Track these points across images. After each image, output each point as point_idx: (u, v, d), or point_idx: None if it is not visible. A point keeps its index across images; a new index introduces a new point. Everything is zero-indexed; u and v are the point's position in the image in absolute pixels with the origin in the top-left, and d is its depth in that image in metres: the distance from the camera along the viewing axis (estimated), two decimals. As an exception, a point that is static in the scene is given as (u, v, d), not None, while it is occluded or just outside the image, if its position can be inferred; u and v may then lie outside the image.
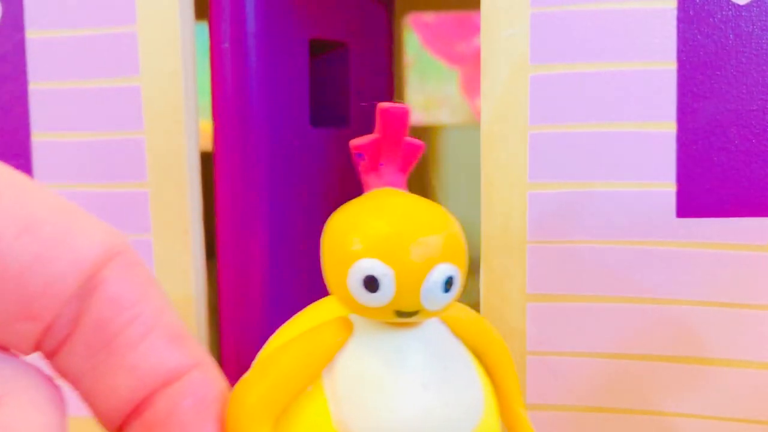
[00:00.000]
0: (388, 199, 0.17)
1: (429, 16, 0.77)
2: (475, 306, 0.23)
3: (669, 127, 0.21)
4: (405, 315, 0.16)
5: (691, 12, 0.20)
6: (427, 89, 0.79)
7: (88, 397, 0.13)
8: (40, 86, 0.25)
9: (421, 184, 0.51)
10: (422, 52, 0.80)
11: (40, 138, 0.25)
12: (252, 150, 0.24)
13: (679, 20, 0.20)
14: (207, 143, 0.26)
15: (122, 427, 0.13)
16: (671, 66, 0.21)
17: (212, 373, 0.14)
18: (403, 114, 0.16)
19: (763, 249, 0.21)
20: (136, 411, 0.13)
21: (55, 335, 0.13)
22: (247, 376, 0.16)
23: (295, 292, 0.25)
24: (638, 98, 0.21)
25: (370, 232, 0.15)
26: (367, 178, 0.17)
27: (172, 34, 0.23)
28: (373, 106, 0.16)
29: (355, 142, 0.17)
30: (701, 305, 0.21)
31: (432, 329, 0.16)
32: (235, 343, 0.25)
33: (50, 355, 0.13)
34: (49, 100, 0.25)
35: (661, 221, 0.21)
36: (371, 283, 0.15)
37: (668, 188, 0.21)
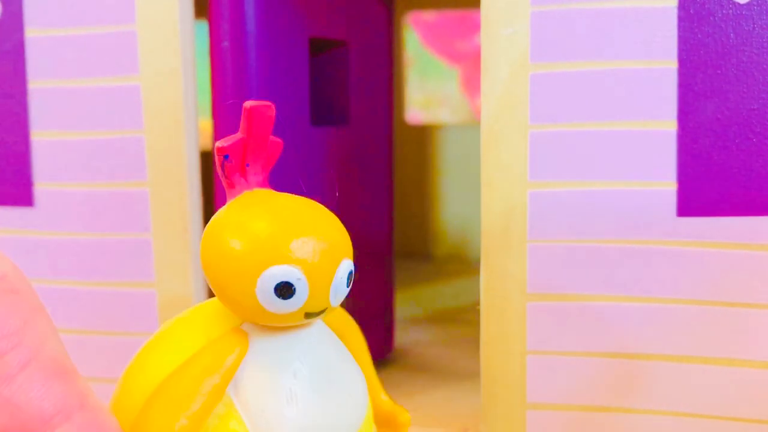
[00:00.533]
0: (273, 202, 0.16)
1: (429, 15, 0.77)
2: (476, 305, 0.23)
3: (670, 126, 0.21)
4: (313, 315, 0.15)
5: (691, 11, 0.20)
6: (427, 88, 0.79)
7: None
8: (39, 85, 0.25)
9: (421, 183, 0.51)
10: (422, 50, 0.80)
11: (39, 137, 0.25)
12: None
13: (680, 19, 0.20)
14: (207, 142, 0.26)
15: None
16: (672, 65, 0.21)
17: (97, 417, 0.13)
18: (270, 112, 0.16)
19: (764, 248, 0.21)
20: None
21: None
22: (144, 412, 0.15)
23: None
24: (639, 97, 0.21)
25: (273, 238, 0.15)
26: (232, 179, 0.16)
27: (172, 33, 0.23)
28: (239, 105, 0.16)
29: (220, 144, 0.16)
30: (701, 304, 0.21)
31: (318, 326, 0.17)
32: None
33: None
34: (48, 98, 0.25)
35: (661, 220, 0.21)
36: (286, 290, 0.15)
37: (669, 187, 0.21)
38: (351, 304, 0.31)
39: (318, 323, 0.17)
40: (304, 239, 0.15)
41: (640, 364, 0.22)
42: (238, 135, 0.16)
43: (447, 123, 0.68)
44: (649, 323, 0.21)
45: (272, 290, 0.15)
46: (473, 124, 0.51)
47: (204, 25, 0.25)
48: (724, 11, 0.20)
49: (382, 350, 0.31)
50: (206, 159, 0.25)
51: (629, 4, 0.21)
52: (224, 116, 0.24)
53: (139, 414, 0.15)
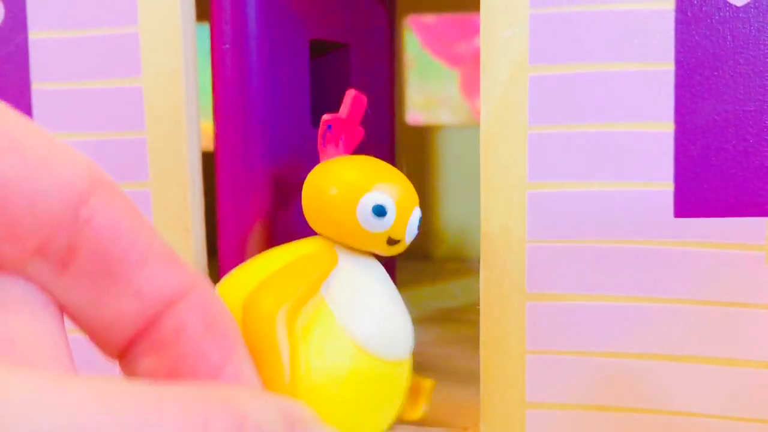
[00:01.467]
0: (368, 158, 0.21)
1: (429, 18, 0.77)
2: (476, 305, 0.23)
3: (667, 128, 0.21)
4: (393, 243, 0.21)
5: (689, 13, 0.21)
6: (427, 90, 0.79)
7: (90, 326, 0.14)
8: (42, 86, 0.25)
9: (421, 183, 0.51)
10: (423, 52, 0.80)
11: (42, 138, 0.25)
12: (253, 150, 0.24)
13: (677, 21, 0.21)
14: (208, 143, 0.26)
15: (126, 350, 0.14)
16: (669, 67, 0.21)
17: (213, 290, 0.14)
18: (365, 101, 0.21)
19: (760, 248, 0.21)
20: (141, 334, 0.14)
21: (50, 263, 0.13)
22: (253, 297, 0.19)
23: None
24: (636, 99, 0.21)
25: (372, 174, 0.20)
26: (327, 148, 0.21)
27: (174, 35, 0.23)
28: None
29: (326, 117, 0.21)
30: (699, 304, 0.21)
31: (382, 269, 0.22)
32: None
33: (49, 285, 0.13)
34: (51, 100, 0.25)
35: (659, 221, 0.21)
36: (380, 210, 0.20)
37: (666, 188, 0.21)
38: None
39: (381, 267, 0.21)
40: (393, 182, 0.20)
41: (638, 364, 0.22)
42: (340, 114, 0.21)
43: (447, 124, 0.68)
44: (646, 323, 0.22)
45: (370, 209, 0.20)
46: (473, 126, 0.51)
47: (205, 28, 0.26)
48: (720, 14, 0.20)
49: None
50: (208, 160, 0.25)
51: (627, 7, 0.21)
52: (226, 118, 0.24)
53: (248, 298, 0.19)
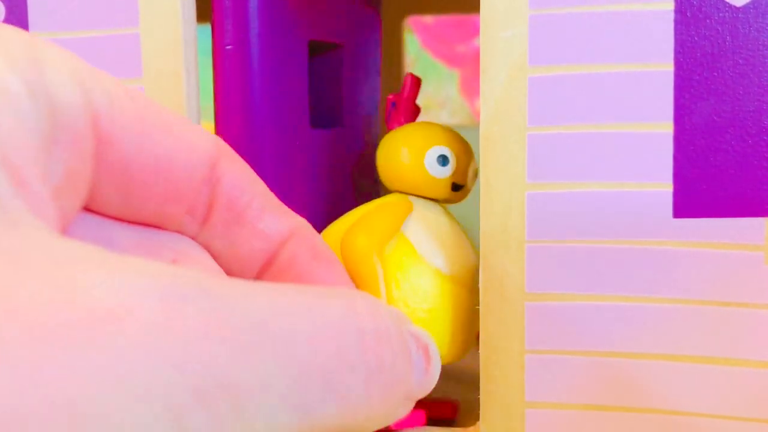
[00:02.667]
0: (429, 122, 0.26)
1: (429, 18, 0.77)
2: (475, 304, 0.23)
3: (666, 128, 0.21)
4: (457, 188, 0.25)
5: (688, 14, 0.21)
6: (427, 90, 0.80)
7: (228, 265, 0.17)
8: (43, 87, 0.25)
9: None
10: (423, 53, 0.80)
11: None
12: (255, 151, 0.24)
13: (677, 22, 0.21)
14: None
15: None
16: (668, 67, 0.21)
17: (314, 230, 0.18)
18: (420, 82, 0.27)
19: (759, 249, 0.21)
20: (265, 266, 0.17)
21: (195, 217, 0.16)
22: (347, 236, 0.23)
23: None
24: (636, 99, 0.21)
25: (435, 133, 0.25)
26: (393, 120, 0.26)
27: (175, 37, 0.23)
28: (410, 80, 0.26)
29: (390, 96, 0.26)
30: (697, 304, 0.21)
31: None
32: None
33: (197, 237, 0.17)
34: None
35: (658, 221, 0.21)
36: (443, 159, 0.25)
37: (665, 188, 0.21)
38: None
39: (447, 209, 0.26)
40: (451, 138, 0.25)
41: (637, 363, 0.22)
42: (402, 93, 0.26)
43: (447, 125, 0.68)
44: (645, 323, 0.22)
45: (435, 159, 0.25)
46: (472, 126, 0.51)
47: (205, 29, 0.26)
48: (720, 14, 0.20)
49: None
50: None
51: (626, 8, 0.21)
52: (228, 118, 0.24)
53: (343, 237, 0.23)
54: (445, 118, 0.78)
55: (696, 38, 0.21)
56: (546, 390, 0.22)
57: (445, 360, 0.24)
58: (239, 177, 0.16)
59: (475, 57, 0.74)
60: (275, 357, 0.11)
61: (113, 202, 0.15)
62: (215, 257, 0.17)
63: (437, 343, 0.22)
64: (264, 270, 0.17)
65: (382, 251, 0.23)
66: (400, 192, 0.26)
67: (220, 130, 0.25)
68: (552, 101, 0.21)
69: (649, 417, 0.22)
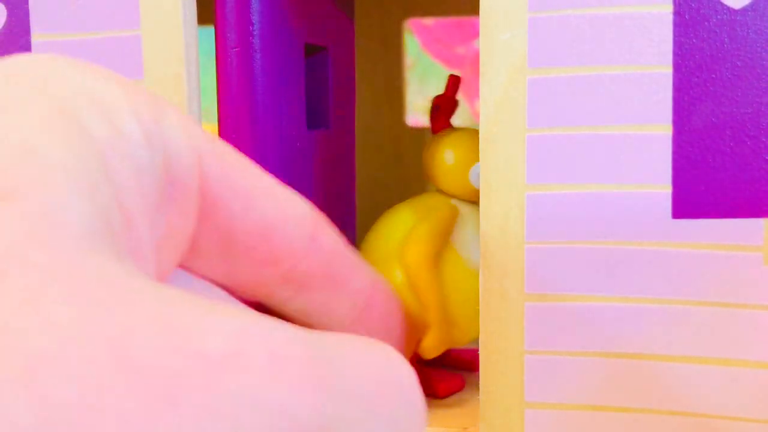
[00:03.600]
0: (472, 132, 0.27)
1: (429, 20, 0.77)
2: (475, 304, 0.23)
3: (665, 130, 0.21)
4: None
5: (686, 16, 0.21)
6: (426, 92, 0.80)
7: (324, 319, 0.18)
8: (45, 89, 0.25)
9: (421, 185, 0.51)
10: (422, 55, 0.80)
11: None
12: (260, 152, 0.24)
13: (675, 25, 0.21)
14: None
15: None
16: (667, 70, 0.21)
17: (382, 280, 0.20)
18: (460, 80, 0.28)
19: (758, 250, 0.21)
20: (357, 316, 0.18)
21: (292, 285, 0.17)
22: (406, 245, 0.25)
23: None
24: (635, 101, 0.21)
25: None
26: (439, 121, 0.28)
27: (176, 39, 0.23)
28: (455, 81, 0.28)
29: (434, 98, 0.28)
30: (697, 305, 0.21)
31: None
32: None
33: (294, 299, 0.17)
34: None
35: (657, 222, 0.21)
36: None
37: (664, 190, 0.21)
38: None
39: None
40: None
41: (636, 364, 0.22)
42: (446, 94, 0.28)
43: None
44: (644, 324, 0.22)
45: (477, 175, 0.26)
46: (472, 128, 0.51)
47: (206, 31, 0.26)
48: (718, 17, 0.21)
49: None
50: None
51: (625, 11, 0.21)
52: (231, 120, 0.24)
53: (403, 247, 0.25)
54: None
55: (694, 40, 0.21)
56: (546, 390, 0.22)
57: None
58: (333, 241, 0.17)
59: (474, 59, 0.74)
60: (365, 407, 0.12)
61: (211, 262, 0.15)
62: (309, 318, 0.18)
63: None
64: (357, 320, 0.18)
65: (436, 264, 0.25)
66: (443, 192, 0.28)
67: (223, 132, 0.25)
68: (551, 103, 0.21)
69: (648, 417, 0.22)
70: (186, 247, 0.15)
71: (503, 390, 0.23)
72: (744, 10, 0.20)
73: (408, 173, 0.52)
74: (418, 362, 0.26)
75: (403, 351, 0.20)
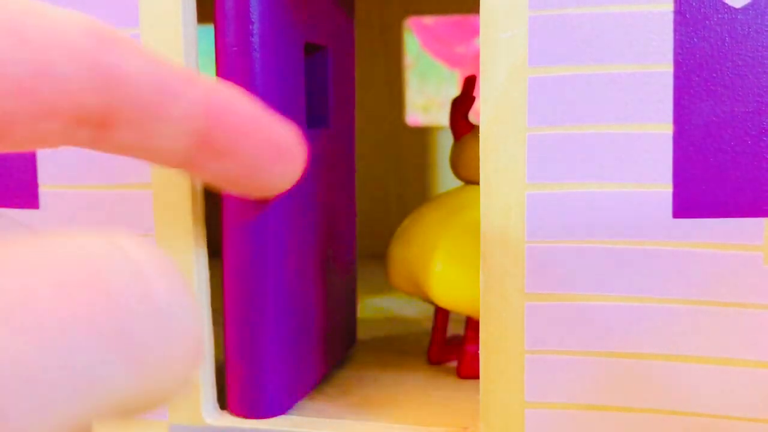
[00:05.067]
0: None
1: (429, 19, 0.77)
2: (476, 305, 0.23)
3: (666, 129, 0.21)
4: None
5: (687, 15, 0.21)
6: (427, 91, 0.80)
7: (151, 155, 0.15)
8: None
9: (421, 184, 0.51)
10: (423, 54, 0.80)
11: (44, 139, 0.25)
12: None
13: (676, 23, 0.21)
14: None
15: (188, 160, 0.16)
16: (668, 68, 0.21)
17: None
18: (476, 79, 0.28)
19: (759, 249, 0.21)
20: (197, 143, 0.16)
21: (92, 126, 0.14)
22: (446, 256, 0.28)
23: (299, 288, 0.26)
24: (635, 100, 0.21)
25: None
26: (461, 123, 0.30)
27: (175, 37, 0.23)
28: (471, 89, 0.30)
29: (453, 98, 0.30)
30: (697, 304, 0.21)
31: None
32: (239, 343, 0.25)
33: (99, 142, 0.14)
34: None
35: (657, 222, 0.21)
36: None
37: (665, 189, 0.21)
38: (326, 302, 0.31)
39: None
40: None
41: (637, 364, 0.22)
42: (468, 94, 0.30)
43: (447, 126, 0.68)
44: (645, 323, 0.22)
45: None
46: (473, 127, 0.51)
47: (205, 30, 0.26)
48: (719, 15, 0.21)
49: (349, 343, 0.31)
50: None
51: (626, 9, 0.21)
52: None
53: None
54: (445, 118, 0.78)
55: (695, 39, 0.21)
56: (546, 390, 0.22)
57: None
58: (136, 68, 0.14)
59: (475, 57, 0.74)
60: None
61: None
62: (138, 154, 0.15)
63: None
64: (196, 147, 0.16)
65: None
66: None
67: None
68: (552, 102, 0.21)
69: (649, 417, 0.22)
70: None
71: (503, 389, 0.23)
72: (745, 9, 0.20)
73: (408, 172, 0.52)
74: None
75: (264, 176, 0.18)
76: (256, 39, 0.23)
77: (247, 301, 0.24)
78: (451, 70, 0.79)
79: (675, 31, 0.21)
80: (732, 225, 0.21)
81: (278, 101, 0.24)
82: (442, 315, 0.31)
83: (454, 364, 0.31)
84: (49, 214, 0.25)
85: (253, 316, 0.25)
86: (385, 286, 0.41)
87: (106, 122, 0.14)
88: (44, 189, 0.25)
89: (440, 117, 0.78)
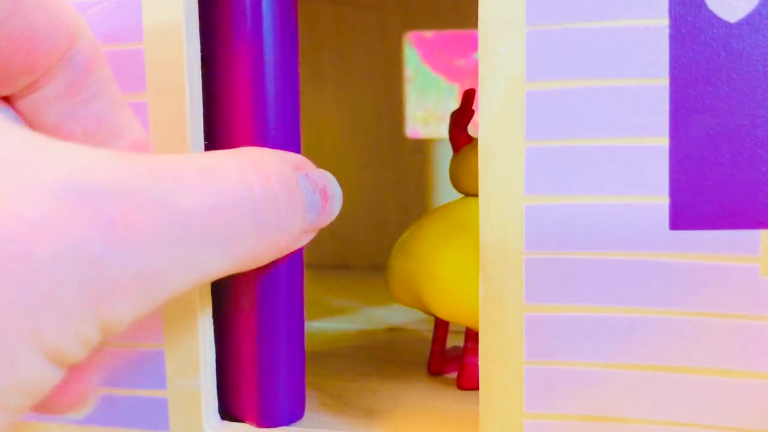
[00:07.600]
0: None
1: (428, 33, 0.77)
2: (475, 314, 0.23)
3: (662, 142, 0.21)
4: None
5: (683, 30, 0.21)
6: (426, 104, 0.80)
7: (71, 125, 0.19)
8: (48, 102, 0.25)
9: (420, 196, 0.52)
10: (422, 67, 0.80)
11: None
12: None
13: (672, 38, 0.21)
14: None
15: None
16: (664, 82, 0.21)
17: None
18: (474, 92, 0.30)
19: (755, 261, 0.21)
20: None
21: (47, 86, 0.18)
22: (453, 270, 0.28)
23: (299, 288, 0.26)
24: (632, 113, 0.21)
25: None
26: (457, 134, 0.31)
27: (178, 52, 0.24)
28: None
29: (453, 111, 0.31)
30: (694, 316, 0.21)
31: None
32: (238, 342, 0.25)
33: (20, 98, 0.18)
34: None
35: (654, 233, 0.21)
36: None
37: (661, 201, 0.21)
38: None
39: None
40: None
41: (635, 375, 0.22)
42: (468, 108, 0.31)
43: (446, 138, 0.68)
44: (642, 335, 0.22)
45: None
46: (472, 140, 0.51)
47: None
48: (714, 30, 0.21)
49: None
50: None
51: (622, 24, 0.21)
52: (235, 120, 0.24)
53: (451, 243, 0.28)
54: (445, 131, 0.79)
55: (691, 53, 0.21)
56: (545, 401, 0.23)
57: None
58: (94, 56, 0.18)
59: (474, 71, 0.75)
60: (180, 235, 0.14)
61: None
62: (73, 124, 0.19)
63: None
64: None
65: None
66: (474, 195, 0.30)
67: (229, 130, 0.25)
68: (550, 115, 0.22)
69: (647, 428, 0.22)
70: None
71: (503, 400, 0.23)
72: (740, 24, 0.21)
73: (407, 184, 0.52)
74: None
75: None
76: (256, 39, 0.24)
77: (247, 302, 0.25)
78: (451, 84, 0.80)
79: (671, 45, 0.21)
80: (729, 237, 0.21)
81: (282, 106, 0.24)
82: (441, 326, 0.31)
83: (454, 375, 0.31)
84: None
85: (253, 317, 0.25)
86: (385, 297, 0.41)
87: (72, 92, 0.19)
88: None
89: (440, 130, 0.79)
